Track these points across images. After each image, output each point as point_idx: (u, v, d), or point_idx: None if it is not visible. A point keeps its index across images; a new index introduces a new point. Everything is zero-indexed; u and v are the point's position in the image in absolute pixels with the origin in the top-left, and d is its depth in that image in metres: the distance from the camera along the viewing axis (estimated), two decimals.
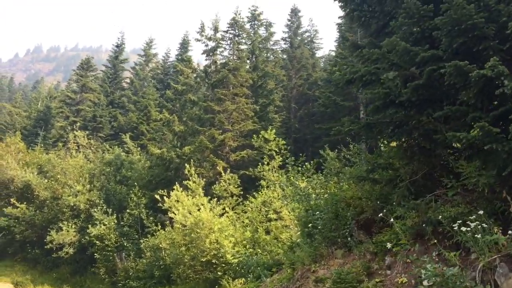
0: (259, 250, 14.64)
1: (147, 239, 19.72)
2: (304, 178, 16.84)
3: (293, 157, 17.68)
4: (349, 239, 8.32)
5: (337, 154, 13.39)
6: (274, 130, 19.21)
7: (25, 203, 23.92)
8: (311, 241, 9.02)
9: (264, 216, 16.96)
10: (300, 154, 18.05)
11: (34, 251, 23.41)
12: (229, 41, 26.11)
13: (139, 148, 30.62)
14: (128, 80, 45.93)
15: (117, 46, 44.32)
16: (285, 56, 41.29)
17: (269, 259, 11.76)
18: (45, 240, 21.06)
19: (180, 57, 39.15)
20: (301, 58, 39.78)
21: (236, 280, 14.32)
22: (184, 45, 43.88)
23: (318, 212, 9.31)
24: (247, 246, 14.67)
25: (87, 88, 36.32)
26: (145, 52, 47.09)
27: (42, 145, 32.31)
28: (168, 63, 47.00)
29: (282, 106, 32.87)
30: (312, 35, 45.41)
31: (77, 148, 27.45)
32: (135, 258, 20.05)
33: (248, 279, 12.20)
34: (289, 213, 15.74)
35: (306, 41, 44.06)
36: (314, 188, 10.82)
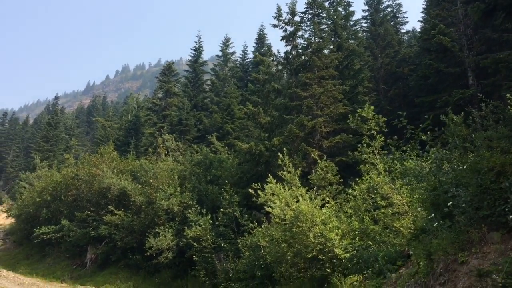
0: (369, 242, 12.74)
1: (244, 238, 18.65)
2: (414, 156, 14.68)
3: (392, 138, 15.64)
4: (510, 217, 6.28)
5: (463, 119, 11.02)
6: (372, 107, 17.07)
7: (122, 209, 24.19)
8: (451, 224, 7.05)
9: (371, 203, 15.02)
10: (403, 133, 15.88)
11: (135, 257, 23.50)
12: (308, 22, 24.35)
13: (226, 148, 30.08)
14: (209, 82, 46.07)
15: (195, 50, 44.58)
16: (367, 36, 38.56)
17: (391, 251, 9.85)
18: (144, 247, 20.90)
19: (257, 52, 38.15)
20: (385, 35, 36.90)
21: (349, 277, 12.60)
22: (260, 39, 42.92)
23: (454, 189, 7.31)
24: (357, 238, 12.81)
25: (170, 93, 36.75)
26: (223, 52, 46.90)
27: (134, 152, 33.11)
28: (247, 60, 46.38)
29: (370, 88, 30.41)
30: (395, 10, 42.10)
31: (166, 151, 27.44)
32: (234, 259, 19.08)
33: (365, 275, 10.42)
34: (402, 197, 13.65)
35: (388, 17, 40.87)
36: (445, 161, 8.70)
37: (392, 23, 40.89)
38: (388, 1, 41.39)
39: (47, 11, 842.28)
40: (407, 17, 42.29)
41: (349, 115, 18.12)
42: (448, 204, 6.88)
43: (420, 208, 7.89)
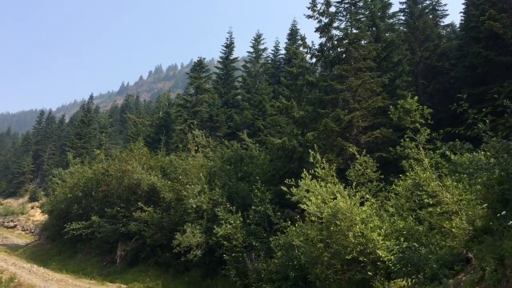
0: (415, 244, 11.56)
1: (276, 237, 17.71)
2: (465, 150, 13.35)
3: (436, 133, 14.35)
4: None
5: None
6: (416, 97, 15.81)
7: (152, 206, 23.70)
8: None
9: (416, 202, 13.79)
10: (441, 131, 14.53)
11: (164, 254, 22.95)
12: (344, 13, 23.18)
13: (257, 144, 29.24)
14: (240, 79, 45.35)
15: (226, 47, 43.99)
16: (405, 29, 36.84)
17: (446, 253, 8.69)
18: (171, 245, 20.28)
19: (289, 49, 37.14)
20: (424, 28, 35.13)
21: (394, 281, 11.47)
22: (293, 35, 41.87)
23: None
24: (402, 239, 11.63)
25: (201, 89, 36.21)
26: (254, 48, 46.06)
27: (164, 149, 32.73)
28: (278, 56, 45.40)
29: (408, 83, 28.88)
30: (434, 2, 40.15)
31: (196, 148, 26.83)
32: (265, 258, 18.15)
33: (414, 280, 9.29)
34: (452, 195, 12.37)
35: (427, 10, 39.00)
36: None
37: (431, 16, 39.02)
38: None
39: (82, 14, 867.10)
40: (447, 10, 40.21)
41: (390, 107, 16.92)
42: None
43: (484, 205, 6.74)
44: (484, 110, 8.30)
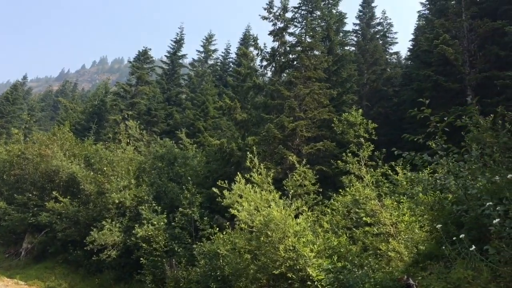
0: (347, 264, 10.68)
1: (201, 244, 16.28)
2: (407, 170, 12.81)
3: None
4: None
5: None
6: (361, 110, 15.24)
7: (68, 197, 21.37)
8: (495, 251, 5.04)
9: (353, 219, 13.02)
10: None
11: (76, 252, 20.68)
12: (300, 19, 22.52)
13: (195, 145, 27.75)
14: (186, 77, 43.57)
15: (175, 42, 42.15)
16: (353, 49, 37.16)
17: (384, 277, 7.77)
18: (85, 241, 18.20)
19: (240, 48, 36.17)
20: (374, 51, 35.71)
21: None
22: (245, 40, 40.95)
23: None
24: (335, 258, 10.70)
25: (143, 81, 34.09)
26: (204, 48, 44.64)
27: (94, 138, 30.20)
28: (228, 59, 44.27)
29: (354, 102, 28.82)
30: (386, 29, 41.10)
31: (128, 140, 24.77)
32: (187, 266, 16.61)
33: None
34: (390, 216, 11.67)
35: (378, 35, 39.83)
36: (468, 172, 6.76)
37: (381, 42, 39.83)
38: (380, 19, 40.31)
39: None
40: (396, 38, 41.31)
41: (334, 119, 16.25)
42: (494, 222, 4.86)
43: (438, 226, 5.86)
44: (440, 123, 7.58)
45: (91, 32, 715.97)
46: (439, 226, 5.98)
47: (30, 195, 23.12)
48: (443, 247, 5.96)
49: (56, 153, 22.65)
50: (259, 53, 22.15)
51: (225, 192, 13.31)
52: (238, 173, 13.75)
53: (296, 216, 12.75)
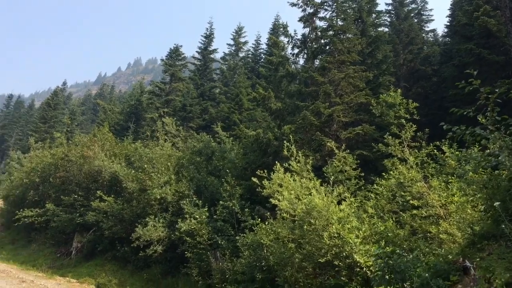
0: (396, 249, 10.30)
1: (244, 235, 16.25)
2: (453, 149, 12.24)
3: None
4: None
5: None
6: (400, 90, 14.68)
7: (112, 196, 21.87)
8: None
9: (399, 203, 12.59)
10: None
11: (123, 248, 21.15)
12: (330, 2, 21.92)
13: (231, 138, 27.79)
14: (218, 72, 43.65)
15: (206, 37, 42.22)
16: (387, 30, 36.01)
17: (439, 261, 7.40)
18: (131, 238, 18.57)
19: (271, 38, 35.80)
20: (409, 31, 34.50)
21: None
22: (275, 29, 40.51)
23: None
24: (383, 243, 10.35)
25: (176, 78, 34.38)
26: (235, 40, 44.50)
27: (132, 137, 30.82)
28: (259, 50, 43.95)
29: (391, 84, 27.96)
30: (420, 7, 39.60)
31: (165, 137, 25.08)
32: (231, 258, 16.64)
33: None
34: (439, 198, 11.18)
35: (413, 13, 38.41)
36: None
37: (416, 20, 38.42)
38: None
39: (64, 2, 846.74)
40: (432, 15, 39.70)
41: (373, 100, 15.75)
42: None
43: (496, 204, 5.49)
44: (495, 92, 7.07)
45: (124, 34, 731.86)
46: (497, 204, 5.59)
47: (76, 196, 23.83)
48: (503, 226, 5.58)
49: (97, 153, 23.26)
50: (290, 40, 21.77)
51: (265, 182, 13.16)
52: (277, 162, 13.58)
53: (339, 203, 12.45)
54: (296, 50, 22.23)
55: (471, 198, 8.98)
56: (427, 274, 6.76)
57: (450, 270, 6.90)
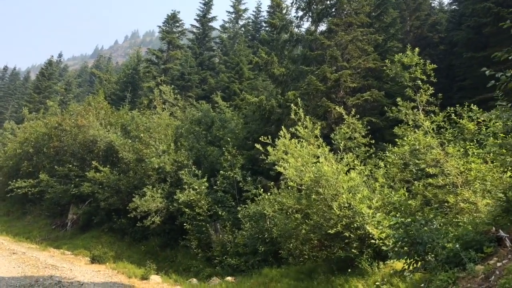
0: (416, 218, 9.46)
1: (246, 206, 15.50)
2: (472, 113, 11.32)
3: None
4: None
5: None
6: (417, 49, 13.61)
7: (108, 166, 21.02)
8: None
9: (413, 171, 11.73)
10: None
11: (120, 220, 20.51)
12: None
13: (231, 108, 26.78)
14: (217, 40, 42.13)
15: (204, 4, 40.53)
16: None
17: (468, 231, 6.55)
18: (127, 209, 17.83)
19: (274, 2, 34.24)
20: None
21: (388, 263, 9.44)
22: None
23: None
24: (398, 214, 9.53)
25: (174, 45, 33.04)
26: (235, 8, 42.81)
27: (129, 106, 29.75)
28: (260, 18, 42.34)
29: (399, 49, 26.79)
30: None
31: (163, 105, 24.04)
32: (232, 230, 15.97)
33: (420, 263, 7.15)
34: (458, 165, 10.29)
35: None
36: None
37: None
38: None
39: None
40: None
41: (387, 60, 14.67)
42: None
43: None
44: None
45: (121, 6, 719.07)
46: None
47: (70, 166, 23.03)
48: None
49: (92, 122, 22.29)
50: (294, 1, 20.50)
51: (269, 149, 12.24)
52: (283, 127, 12.64)
53: (348, 171, 11.58)
54: (300, 13, 20.98)
55: (499, 163, 8.07)
56: (457, 245, 5.92)
57: (483, 241, 6.07)
